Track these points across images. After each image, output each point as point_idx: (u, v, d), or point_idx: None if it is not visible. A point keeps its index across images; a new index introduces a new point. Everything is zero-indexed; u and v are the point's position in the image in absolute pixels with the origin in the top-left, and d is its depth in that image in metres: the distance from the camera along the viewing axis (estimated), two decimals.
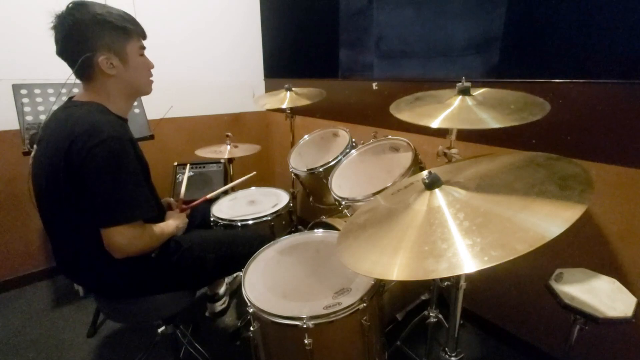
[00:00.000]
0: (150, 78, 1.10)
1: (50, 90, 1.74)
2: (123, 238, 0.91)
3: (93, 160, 0.86)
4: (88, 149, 0.86)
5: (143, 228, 0.98)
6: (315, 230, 1.36)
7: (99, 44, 0.94)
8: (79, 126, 0.89)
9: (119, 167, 0.89)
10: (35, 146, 1.01)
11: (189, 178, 2.26)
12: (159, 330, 1.28)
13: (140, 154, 1.02)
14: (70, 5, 0.93)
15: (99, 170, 0.87)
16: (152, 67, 1.09)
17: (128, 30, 0.98)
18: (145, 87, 1.09)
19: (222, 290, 1.78)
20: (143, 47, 1.05)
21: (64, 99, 1.74)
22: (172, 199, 1.37)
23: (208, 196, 1.51)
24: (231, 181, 2.23)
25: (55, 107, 1.03)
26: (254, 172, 1.67)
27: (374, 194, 1.21)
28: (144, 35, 1.05)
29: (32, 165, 1.01)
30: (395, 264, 0.62)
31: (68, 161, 0.88)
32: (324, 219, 1.58)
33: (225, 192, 2.19)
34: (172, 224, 1.13)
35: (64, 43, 0.94)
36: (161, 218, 1.15)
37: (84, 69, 0.95)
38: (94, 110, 0.96)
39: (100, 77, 0.98)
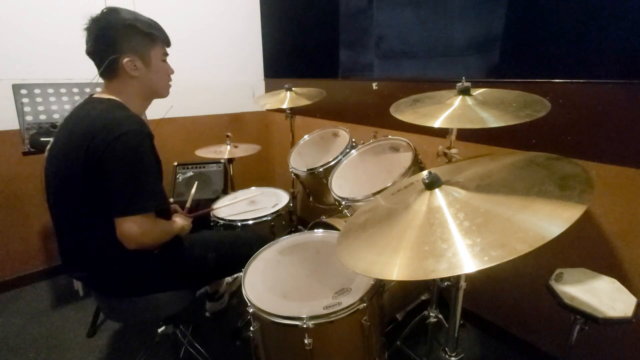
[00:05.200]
0: (169, 82, 1.16)
1: (50, 90, 1.74)
2: (137, 228, 0.94)
3: (113, 152, 0.90)
4: (108, 142, 0.89)
5: (155, 220, 1.01)
6: (315, 230, 1.36)
7: (125, 46, 1.00)
8: (100, 121, 0.93)
9: (137, 159, 0.93)
10: (49, 144, 1.05)
11: (190, 178, 2.27)
12: (159, 330, 1.28)
13: (156, 151, 1.05)
14: (104, 10, 0.99)
15: (118, 162, 0.91)
16: (172, 72, 1.16)
17: (154, 36, 1.05)
18: (163, 90, 1.14)
19: (222, 288, 1.78)
20: (166, 54, 1.12)
21: (65, 98, 1.76)
22: (177, 205, 1.38)
23: (213, 207, 1.54)
24: (231, 181, 2.24)
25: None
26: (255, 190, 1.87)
27: (374, 194, 1.21)
28: (168, 43, 1.12)
29: (47, 157, 1.04)
30: (395, 264, 0.62)
31: (88, 154, 0.91)
32: (324, 219, 1.57)
33: (225, 193, 2.19)
34: (179, 222, 1.15)
35: (94, 44, 0.99)
36: (168, 219, 1.16)
37: (109, 69, 1.01)
38: (114, 107, 1.00)
39: (122, 77, 1.03)
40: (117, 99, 1.03)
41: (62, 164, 0.97)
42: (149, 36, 1.04)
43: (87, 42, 1.00)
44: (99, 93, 1.06)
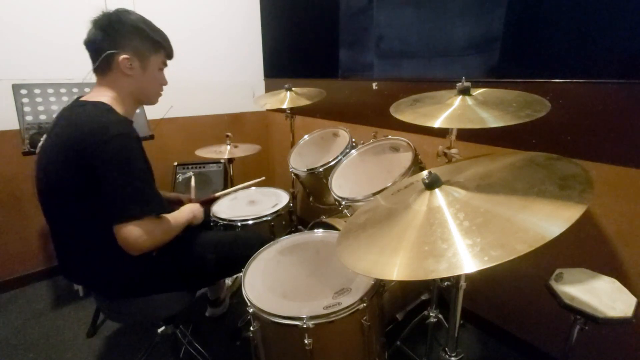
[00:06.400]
0: (160, 92, 1.15)
1: (50, 90, 1.74)
2: (135, 234, 0.91)
3: (102, 157, 0.89)
4: (96, 147, 0.88)
5: (154, 223, 0.98)
6: (315, 230, 1.36)
7: (127, 45, 1.00)
8: (87, 125, 0.92)
9: (127, 164, 0.91)
10: (40, 142, 1.04)
11: (190, 178, 2.27)
12: (159, 330, 1.28)
13: (145, 154, 1.03)
14: (119, 8, 1.01)
15: (109, 166, 0.89)
16: (166, 84, 1.15)
17: (159, 44, 1.06)
18: (152, 97, 1.14)
19: (223, 294, 1.78)
20: (165, 64, 1.12)
21: (65, 98, 1.76)
22: (182, 194, 1.38)
23: (216, 194, 1.52)
24: (231, 181, 2.23)
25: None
26: (263, 177, 1.74)
27: (374, 194, 1.21)
28: (170, 56, 1.12)
29: (37, 161, 1.03)
30: (395, 264, 0.62)
31: (78, 159, 0.90)
32: (324, 219, 1.57)
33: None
34: (187, 210, 1.14)
35: (97, 33, 0.99)
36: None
37: (104, 63, 1.00)
38: (101, 110, 0.98)
39: (115, 74, 1.02)
40: (105, 102, 1.01)
41: (51, 167, 0.95)
42: (155, 43, 1.05)
43: (90, 31, 0.99)
44: (88, 94, 1.04)
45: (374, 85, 1.92)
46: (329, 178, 1.52)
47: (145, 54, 1.04)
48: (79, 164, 0.90)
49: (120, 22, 0.98)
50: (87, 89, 1.83)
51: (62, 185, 0.94)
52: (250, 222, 1.60)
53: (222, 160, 2.32)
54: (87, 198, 0.93)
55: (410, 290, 1.53)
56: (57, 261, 1.08)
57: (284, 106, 1.89)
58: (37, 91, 1.71)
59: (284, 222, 1.73)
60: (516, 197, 0.65)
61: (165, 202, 1.03)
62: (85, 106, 0.99)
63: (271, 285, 1.04)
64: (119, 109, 1.03)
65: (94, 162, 0.89)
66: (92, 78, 1.04)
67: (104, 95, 1.02)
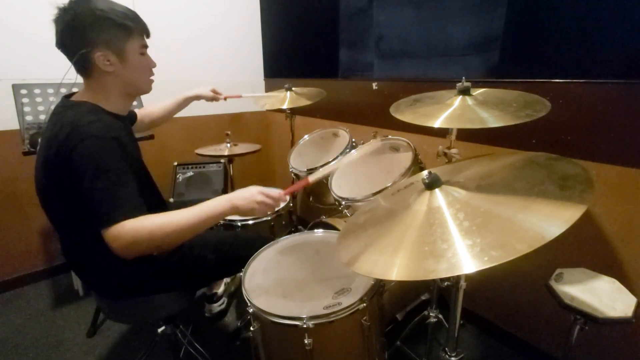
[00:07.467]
0: (151, 77, 1.07)
1: (50, 90, 1.75)
2: (116, 238, 0.83)
3: (73, 162, 0.84)
4: (67, 153, 0.84)
5: (135, 225, 0.85)
6: (315, 230, 1.36)
7: (96, 40, 0.91)
8: (63, 131, 0.87)
9: (96, 167, 0.84)
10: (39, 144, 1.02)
11: (190, 178, 2.26)
12: (159, 330, 1.28)
13: (132, 153, 0.99)
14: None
15: (79, 172, 0.84)
16: (154, 66, 1.07)
17: (129, 28, 0.95)
18: (143, 87, 1.06)
19: (220, 290, 1.78)
20: (145, 46, 1.02)
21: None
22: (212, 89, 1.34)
23: (243, 94, 1.44)
24: (231, 181, 2.23)
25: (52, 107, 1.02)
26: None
27: (374, 194, 1.21)
28: (147, 34, 1.02)
29: (36, 161, 1.01)
30: (395, 264, 0.62)
31: (57, 164, 0.87)
32: (324, 219, 1.58)
33: (225, 192, 2.19)
34: (211, 203, 0.93)
35: (62, 36, 0.92)
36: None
37: (81, 65, 0.94)
38: (84, 112, 0.93)
39: (97, 74, 0.96)
40: (90, 101, 0.96)
41: (42, 171, 0.93)
42: (123, 28, 0.93)
43: (56, 34, 0.92)
44: (76, 95, 1.00)
45: (374, 85, 1.92)
46: (329, 178, 1.52)
47: (119, 44, 0.94)
48: (59, 168, 0.87)
49: (79, 15, 0.88)
50: None
51: (52, 188, 0.92)
52: (250, 222, 1.60)
53: (222, 160, 2.32)
54: (74, 200, 0.88)
55: (410, 290, 1.53)
56: (58, 258, 1.07)
57: (284, 106, 1.89)
58: (37, 91, 1.71)
59: (284, 222, 1.73)
60: (516, 197, 0.65)
61: (143, 204, 0.91)
62: (71, 108, 0.94)
63: (271, 285, 1.04)
64: (108, 106, 0.99)
65: (68, 167, 0.85)
66: (79, 79, 0.99)
67: (91, 95, 0.98)
